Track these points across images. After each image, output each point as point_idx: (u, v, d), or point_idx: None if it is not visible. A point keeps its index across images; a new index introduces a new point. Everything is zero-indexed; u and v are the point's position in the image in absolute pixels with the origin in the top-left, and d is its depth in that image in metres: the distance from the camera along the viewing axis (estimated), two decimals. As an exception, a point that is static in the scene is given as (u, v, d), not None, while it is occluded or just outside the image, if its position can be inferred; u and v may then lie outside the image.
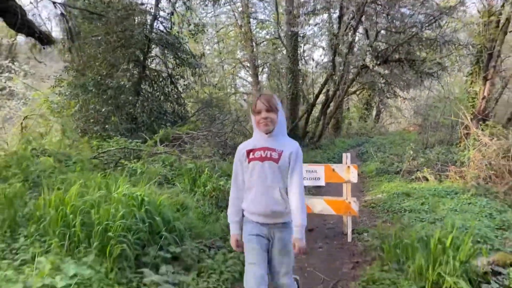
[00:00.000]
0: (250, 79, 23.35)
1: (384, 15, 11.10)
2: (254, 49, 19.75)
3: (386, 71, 11.87)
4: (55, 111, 9.73)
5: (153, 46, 11.01)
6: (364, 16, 11.03)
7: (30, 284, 2.31)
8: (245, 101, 22.92)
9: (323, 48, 18.03)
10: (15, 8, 6.08)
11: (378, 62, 11.34)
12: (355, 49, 12.85)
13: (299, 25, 12.37)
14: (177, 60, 11.37)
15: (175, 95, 11.61)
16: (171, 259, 3.25)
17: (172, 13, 11.19)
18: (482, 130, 8.10)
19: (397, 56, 12.12)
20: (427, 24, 10.87)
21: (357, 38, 13.10)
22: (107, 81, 9.18)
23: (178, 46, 11.01)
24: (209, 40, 22.17)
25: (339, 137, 20.44)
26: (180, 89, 11.96)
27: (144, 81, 10.93)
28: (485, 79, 10.58)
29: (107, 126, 9.01)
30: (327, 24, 14.63)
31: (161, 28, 11.24)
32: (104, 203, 3.28)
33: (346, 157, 4.74)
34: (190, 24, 11.76)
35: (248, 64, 21.29)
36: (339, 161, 7.50)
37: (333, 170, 4.69)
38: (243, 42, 20.22)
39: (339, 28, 12.33)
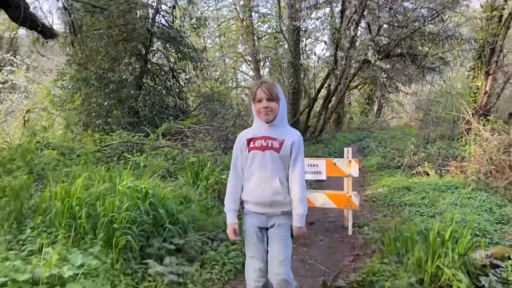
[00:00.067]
0: (251, 73, 23.35)
1: (386, 9, 11.06)
2: (256, 43, 19.69)
3: (388, 66, 11.86)
4: (57, 104, 9.77)
5: (155, 40, 11.01)
6: (366, 10, 11.00)
7: (38, 274, 2.35)
8: (246, 95, 22.90)
9: (325, 43, 18.00)
10: (18, 1, 6.09)
11: (380, 57, 11.32)
12: (357, 44, 12.85)
13: (301, 19, 12.34)
14: (178, 54, 11.37)
15: (176, 89, 11.62)
16: (174, 250, 3.31)
17: (174, 7, 11.16)
18: (483, 125, 8.12)
19: (399, 51, 12.11)
20: (429, 19, 10.85)
21: (359, 33, 13.11)
22: (109, 75, 9.19)
23: (180, 40, 11.00)
24: (211, 34, 22.10)
25: (340, 132, 20.45)
26: (182, 83, 11.97)
27: (146, 75, 10.94)
28: (487, 74, 10.57)
29: (109, 119, 9.04)
30: (329, 18, 14.61)
31: (163, 21, 11.24)
32: (109, 195, 3.32)
33: (348, 151, 4.77)
34: (192, 18, 11.72)
35: (250, 58, 21.25)
36: (341, 155, 7.54)
37: (335, 164, 4.73)
38: (244, 36, 20.15)
39: (341, 22, 12.29)
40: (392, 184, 7.28)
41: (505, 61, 12.42)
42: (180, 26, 11.46)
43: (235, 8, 20.58)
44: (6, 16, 7.40)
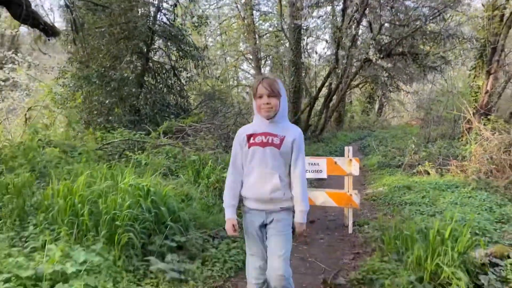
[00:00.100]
0: (252, 71, 23.35)
1: (388, 8, 11.06)
2: (257, 42, 19.69)
3: (389, 65, 11.86)
4: (58, 102, 9.79)
5: (156, 38, 11.00)
6: (368, 9, 10.99)
7: (41, 270, 2.37)
8: (247, 93, 22.90)
9: (326, 41, 17.97)
10: (20, -1, 6.09)
11: (381, 56, 11.33)
12: (359, 42, 12.83)
13: (302, 18, 12.33)
14: (180, 52, 11.37)
15: (178, 87, 11.63)
16: (176, 248, 3.33)
17: (175, 5, 11.15)
18: (484, 124, 8.12)
19: (400, 50, 12.09)
20: (431, 17, 10.84)
21: (360, 31, 13.08)
22: (111, 73, 9.21)
23: (181, 38, 11.00)
24: (212, 32, 22.11)
25: (341, 131, 20.45)
26: (183, 82, 11.97)
27: (147, 73, 10.96)
28: (489, 73, 10.57)
29: (110, 117, 9.05)
30: (331, 16, 14.58)
31: (164, 20, 11.23)
32: (111, 193, 3.34)
33: (348, 150, 4.79)
34: (193, 16, 11.73)
35: (251, 57, 21.26)
36: (341, 154, 7.53)
37: (335, 163, 4.75)
38: (245, 34, 20.15)
39: (342, 21, 12.29)
40: (393, 183, 7.30)
41: (507, 60, 12.40)
42: (181, 24, 11.46)
43: (236, 7, 20.57)
44: (8, 13, 7.42)
